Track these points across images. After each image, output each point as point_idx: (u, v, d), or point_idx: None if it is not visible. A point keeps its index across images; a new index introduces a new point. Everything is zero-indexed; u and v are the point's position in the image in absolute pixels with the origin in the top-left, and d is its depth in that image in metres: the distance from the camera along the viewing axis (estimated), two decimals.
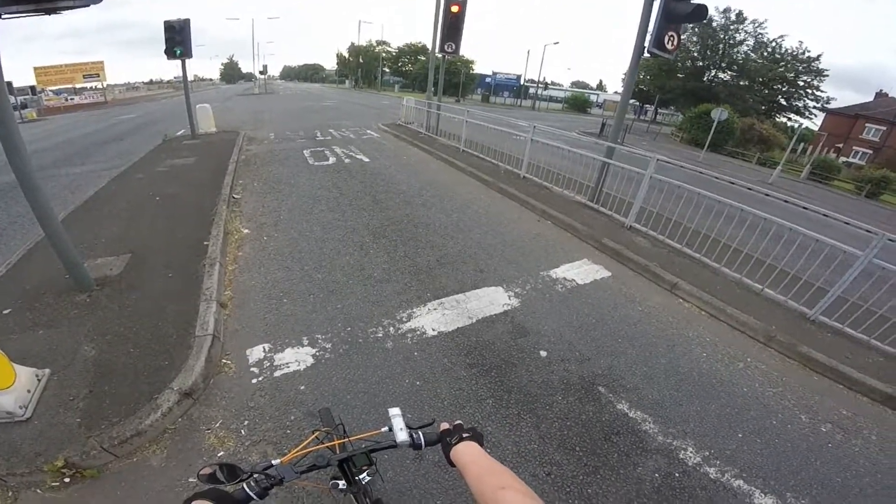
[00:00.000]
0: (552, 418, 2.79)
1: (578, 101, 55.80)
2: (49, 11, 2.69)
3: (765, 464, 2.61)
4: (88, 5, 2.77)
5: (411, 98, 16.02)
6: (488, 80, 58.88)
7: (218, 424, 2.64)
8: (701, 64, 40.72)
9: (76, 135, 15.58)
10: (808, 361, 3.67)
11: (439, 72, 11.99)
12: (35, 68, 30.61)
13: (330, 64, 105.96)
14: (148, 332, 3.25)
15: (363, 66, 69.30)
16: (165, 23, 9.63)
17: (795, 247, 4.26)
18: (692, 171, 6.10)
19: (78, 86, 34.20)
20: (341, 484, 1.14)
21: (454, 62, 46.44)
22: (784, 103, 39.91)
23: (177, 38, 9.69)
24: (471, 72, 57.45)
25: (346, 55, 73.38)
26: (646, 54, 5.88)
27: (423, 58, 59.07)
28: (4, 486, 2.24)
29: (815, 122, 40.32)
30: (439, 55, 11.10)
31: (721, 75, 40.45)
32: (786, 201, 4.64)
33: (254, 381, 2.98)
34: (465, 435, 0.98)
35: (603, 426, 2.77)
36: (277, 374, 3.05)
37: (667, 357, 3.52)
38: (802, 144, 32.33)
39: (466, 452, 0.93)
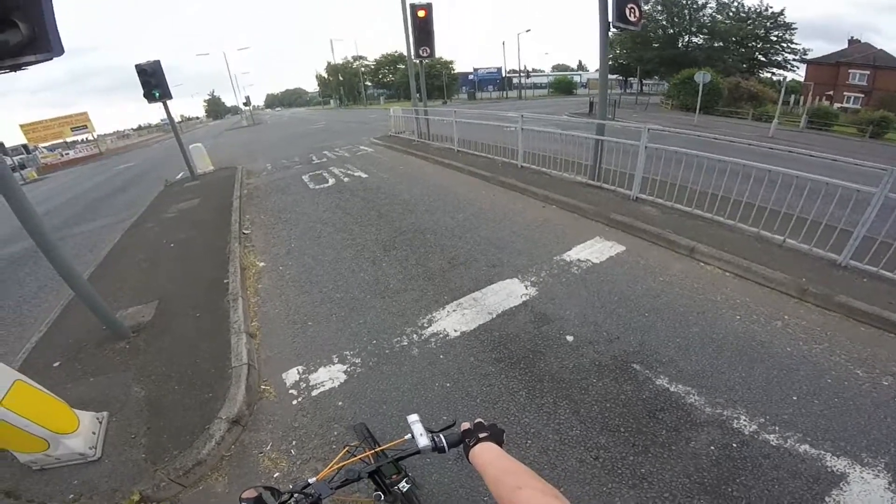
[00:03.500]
0: (590, 402, 2.76)
1: (563, 84, 55.65)
2: (14, 68, 2.67)
3: (829, 426, 2.44)
4: (51, 58, 2.71)
5: (398, 108, 16.07)
6: (471, 77, 59.00)
7: (269, 447, 2.72)
8: (672, 31, 41.08)
9: (80, 190, 15.93)
10: (849, 312, 3.44)
11: (420, 77, 12.03)
12: (21, 126, 30.59)
13: (311, 86, 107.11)
14: (188, 369, 3.36)
15: (344, 84, 69.69)
16: (137, 67, 9.58)
17: (807, 192, 4.17)
18: (689, 136, 6.07)
19: (69, 139, 34.35)
20: (382, 496, 1.16)
21: (433, 65, 46.73)
22: (763, 59, 40.41)
23: (152, 81, 9.63)
24: (452, 72, 57.55)
25: (326, 75, 73.90)
26: (613, 29, 5.90)
27: (402, 66, 59.36)
28: None
29: (799, 74, 40.29)
30: (416, 61, 11.17)
31: (694, 40, 40.90)
32: (790, 151, 4.59)
33: (294, 402, 3.06)
34: (482, 435, 0.96)
35: (645, 404, 2.71)
36: (315, 393, 3.12)
37: (699, 325, 3.45)
38: (794, 96, 32.04)
39: (483, 454, 0.91)
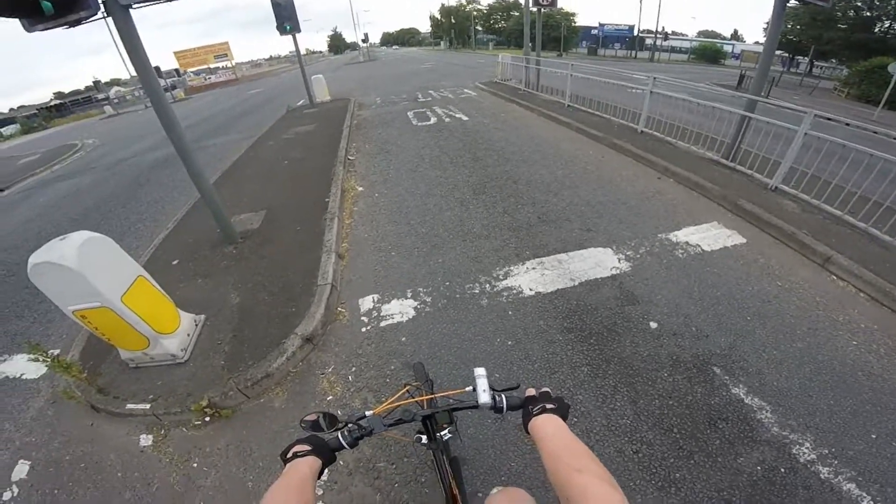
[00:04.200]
0: (652, 395, 2.57)
1: (708, 52, 47.44)
2: None
3: (891, 469, 2.15)
4: None
5: (507, 55, 15.19)
6: (594, 31, 53.17)
7: (330, 370, 2.92)
8: (869, 14, 31.86)
9: (217, 110, 18.16)
10: None
11: (535, 26, 11.24)
12: (175, 53, 34.67)
13: (424, 27, 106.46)
14: (280, 281, 3.71)
15: (456, 27, 68.44)
16: (272, 0, 10.28)
17: None
18: (862, 132, 4.83)
19: (212, 66, 38.66)
20: (424, 438, 1.17)
21: (552, 15, 43.07)
22: None
23: (284, 14, 10.30)
24: (572, 24, 52.56)
25: (439, 17, 72.93)
26: (792, 2, 4.76)
27: (515, 13, 56.37)
28: (160, 424, 2.58)
29: None
30: (534, 9, 10.52)
31: None
32: None
33: (363, 329, 3.25)
34: (548, 406, 0.92)
35: (710, 410, 2.47)
36: (383, 324, 3.29)
37: (805, 341, 2.95)
38: None
39: (546, 426, 0.87)
